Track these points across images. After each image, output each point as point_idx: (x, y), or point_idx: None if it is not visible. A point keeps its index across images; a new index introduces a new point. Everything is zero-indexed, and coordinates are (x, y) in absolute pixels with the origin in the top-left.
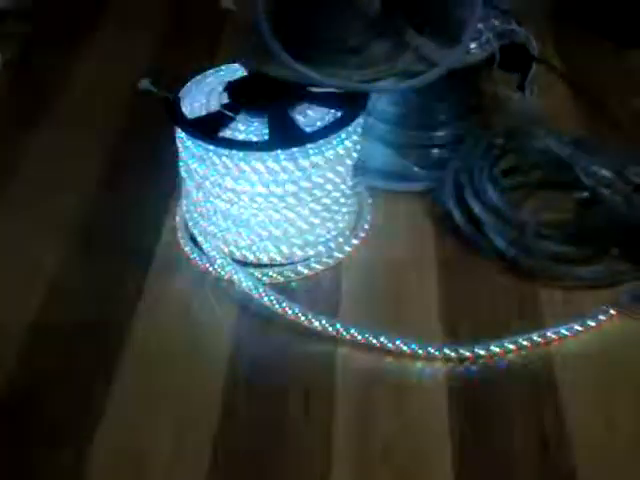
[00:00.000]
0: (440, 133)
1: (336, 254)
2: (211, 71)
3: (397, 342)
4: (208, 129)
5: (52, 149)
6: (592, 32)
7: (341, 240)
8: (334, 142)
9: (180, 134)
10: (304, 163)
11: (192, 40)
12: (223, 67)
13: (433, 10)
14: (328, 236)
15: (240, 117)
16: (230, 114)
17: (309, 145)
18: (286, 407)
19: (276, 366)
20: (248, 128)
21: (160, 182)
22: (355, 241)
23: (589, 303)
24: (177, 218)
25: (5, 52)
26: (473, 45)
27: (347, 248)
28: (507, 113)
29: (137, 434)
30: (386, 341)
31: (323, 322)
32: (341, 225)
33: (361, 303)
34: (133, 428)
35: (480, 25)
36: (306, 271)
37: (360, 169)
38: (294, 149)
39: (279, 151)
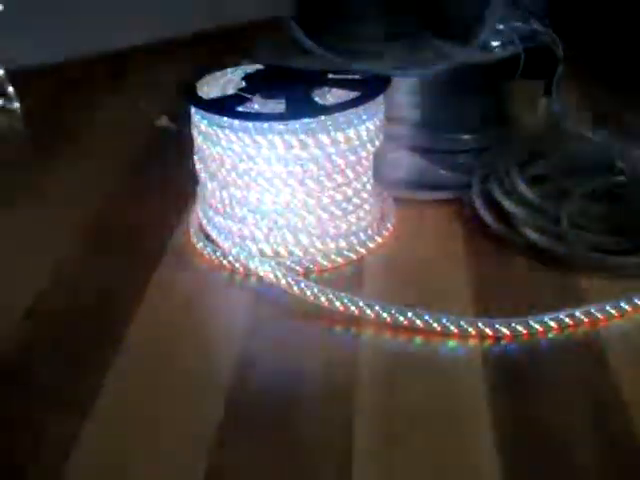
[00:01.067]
0: (466, 137)
1: (358, 248)
2: (229, 69)
3: (426, 318)
4: (224, 107)
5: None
6: None
7: (363, 235)
8: (354, 121)
9: (195, 117)
10: (323, 138)
11: None
12: (241, 66)
13: (450, 16)
14: (349, 230)
15: (256, 98)
16: (246, 95)
17: (329, 122)
18: (303, 393)
19: (293, 353)
20: (264, 108)
21: (177, 191)
22: (379, 238)
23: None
24: (192, 217)
25: (26, 101)
26: (496, 43)
27: (370, 244)
28: (535, 120)
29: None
30: (414, 317)
31: (345, 300)
32: (363, 223)
33: (385, 293)
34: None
35: (502, 26)
36: (326, 263)
37: (385, 181)
38: (312, 123)
39: (296, 125)
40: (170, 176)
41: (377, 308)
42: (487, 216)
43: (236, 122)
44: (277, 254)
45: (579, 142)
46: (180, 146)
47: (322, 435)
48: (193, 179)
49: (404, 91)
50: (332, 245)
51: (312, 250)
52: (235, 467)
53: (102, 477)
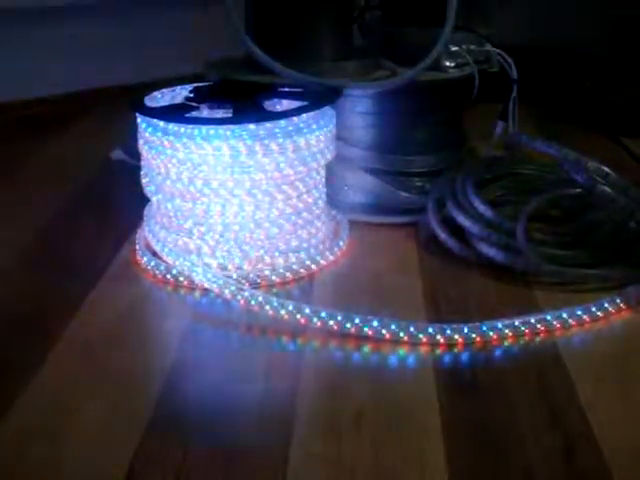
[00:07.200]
0: (421, 159)
1: (309, 264)
2: (178, 86)
3: (374, 324)
4: (170, 113)
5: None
6: None
7: (313, 251)
8: (304, 130)
9: (141, 127)
10: (270, 145)
11: None
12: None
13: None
14: (299, 246)
15: (205, 108)
16: (193, 104)
17: (277, 130)
18: (240, 400)
19: (232, 363)
20: (212, 115)
21: (129, 210)
22: (330, 255)
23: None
24: (139, 234)
25: None
26: (450, 64)
27: (321, 261)
28: (491, 143)
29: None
30: (362, 324)
31: (290, 308)
32: (314, 241)
33: (334, 308)
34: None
35: (456, 48)
36: (274, 278)
37: (339, 202)
38: (259, 129)
39: (243, 132)
40: (122, 200)
41: (323, 315)
42: (442, 233)
43: (182, 129)
44: (224, 268)
45: (534, 160)
46: (134, 176)
47: (258, 440)
48: (145, 201)
49: (359, 112)
50: (281, 260)
51: (260, 265)
52: (164, 469)
53: None
